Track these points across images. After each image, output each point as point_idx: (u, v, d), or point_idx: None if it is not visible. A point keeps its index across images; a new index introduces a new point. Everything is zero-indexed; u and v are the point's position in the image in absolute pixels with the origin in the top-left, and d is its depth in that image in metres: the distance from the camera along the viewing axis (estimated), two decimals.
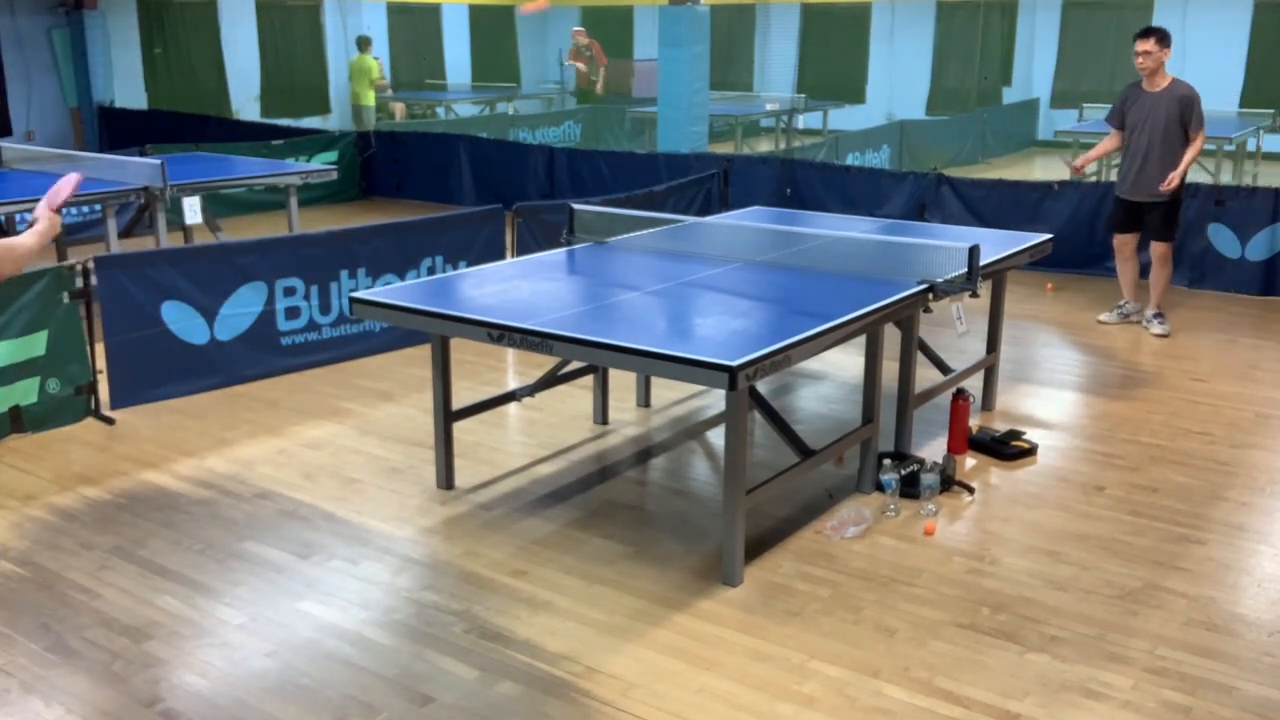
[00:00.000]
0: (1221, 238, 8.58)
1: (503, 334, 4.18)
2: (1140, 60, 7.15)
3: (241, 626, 3.84)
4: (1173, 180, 7.05)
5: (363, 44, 16.91)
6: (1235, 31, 16.88)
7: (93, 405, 5.79)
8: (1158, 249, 7.40)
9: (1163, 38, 7.13)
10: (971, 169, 13.91)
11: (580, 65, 18.49)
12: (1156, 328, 7.43)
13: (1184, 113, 7.10)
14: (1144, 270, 7.68)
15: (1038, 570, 4.23)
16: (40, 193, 7.92)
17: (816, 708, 3.38)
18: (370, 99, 16.67)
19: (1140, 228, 7.47)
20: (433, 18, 20.83)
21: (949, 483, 4.91)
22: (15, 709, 3.38)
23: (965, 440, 5.38)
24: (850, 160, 12.56)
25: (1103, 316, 7.76)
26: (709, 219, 6.76)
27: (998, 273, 5.61)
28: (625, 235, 5.87)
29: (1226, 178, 12.66)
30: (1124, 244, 7.59)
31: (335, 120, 18.28)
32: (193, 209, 7.81)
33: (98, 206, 8.14)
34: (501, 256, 7.51)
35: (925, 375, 5.51)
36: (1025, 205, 9.20)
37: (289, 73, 18.35)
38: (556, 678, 3.53)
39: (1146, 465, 5.25)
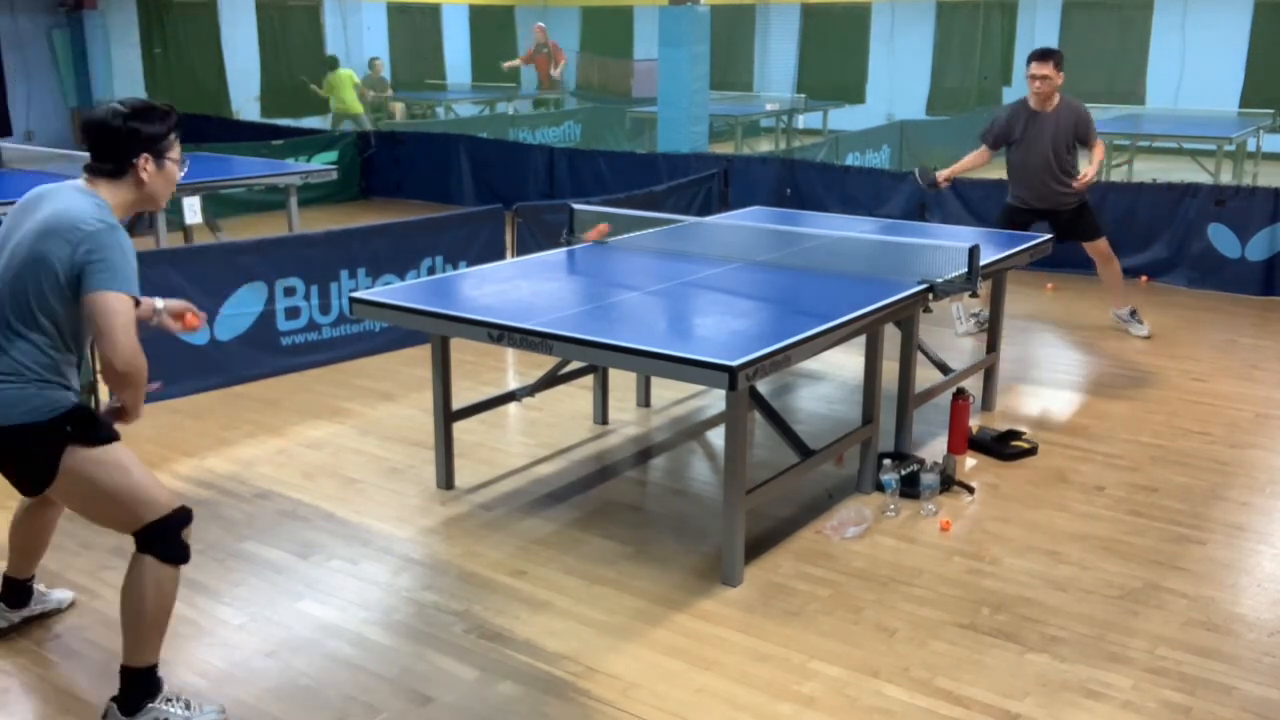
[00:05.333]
0: (1221, 238, 8.58)
1: (503, 334, 4.18)
2: (1039, 85, 6.99)
3: (241, 626, 3.84)
4: (1087, 177, 6.98)
5: (332, 63, 16.84)
6: (1235, 31, 16.88)
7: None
8: (1098, 248, 7.31)
9: (1060, 62, 7.04)
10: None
11: (522, 62, 19.11)
12: (1138, 329, 7.34)
13: (1079, 128, 7.04)
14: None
15: (1038, 570, 4.23)
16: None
17: (816, 708, 3.38)
18: (358, 106, 16.62)
19: (1022, 229, 7.25)
20: (433, 18, 20.85)
21: (949, 483, 4.91)
22: (15, 709, 3.38)
23: (965, 440, 5.38)
24: (850, 160, 12.55)
25: (961, 329, 7.45)
26: (709, 219, 6.77)
27: (998, 273, 5.62)
28: (625, 235, 5.87)
29: (1226, 178, 12.65)
30: None
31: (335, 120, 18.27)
32: (193, 209, 7.82)
33: None
34: (501, 256, 7.51)
35: (925, 375, 5.51)
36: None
37: (289, 73, 18.35)
38: (556, 678, 3.53)
39: (1146, 465, 5.25)
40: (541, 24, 19.18)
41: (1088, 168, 7.07)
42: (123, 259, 3.04)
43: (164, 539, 3.18)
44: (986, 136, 7.41)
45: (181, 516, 3.21)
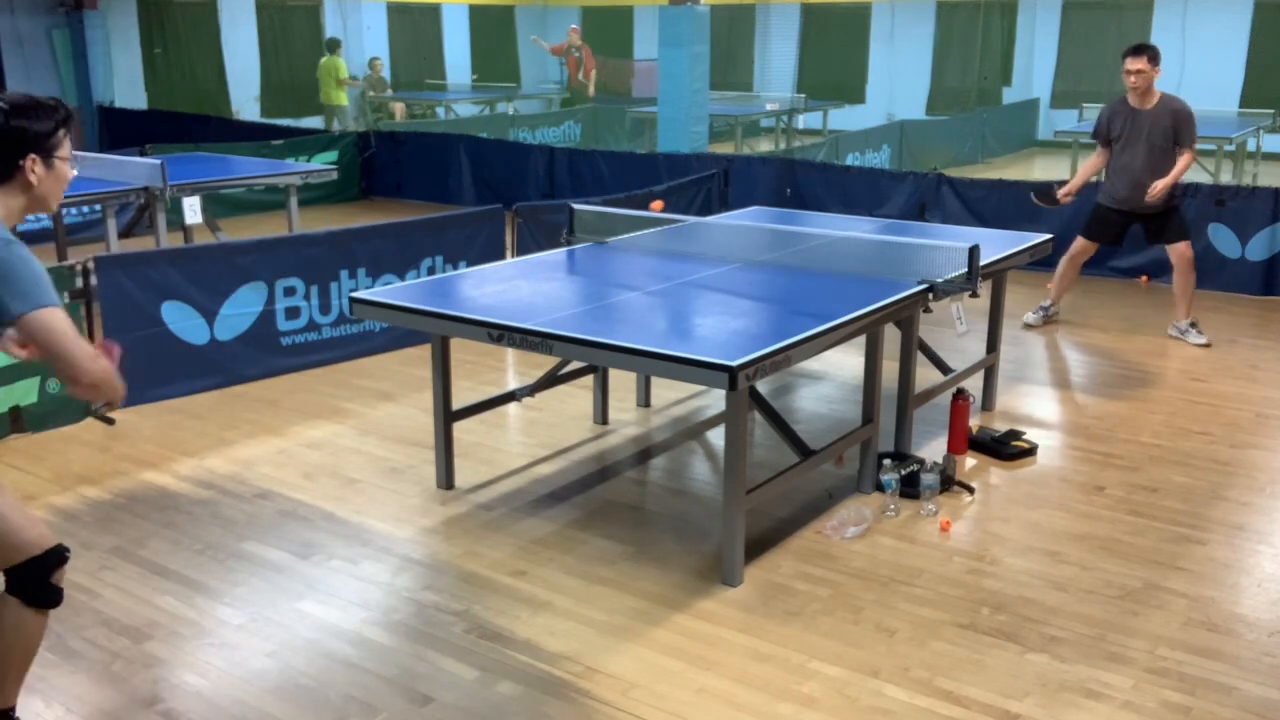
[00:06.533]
0: (1221, 238, 8.58)
1: (503, 334, 4.18)
2: (1133, 79, 7.03)
3: (241, 626, 3.84)
4: (1156, 189, 6.95)
5: (331, 46, 16.88)
6: (1235, 31, 16.88)
7: (93, 405, 5.79)
8: (1181, 251, 7.21)
9: (1154, 55, 7.06)
10: (971, 169, 13.92)
11: (551, 50, 19.18)
12: (1195, 338, 7.21)
13: (1179, 129, 7.04)
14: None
15: (1038, 570, 4.23)
16: None
17: (816, 708, 3.38)
18: (341, 98, 16.61)
19: (1114, 241, 7.49)
20: (433, 18, 20.84)
21: (949, 483, 4.91)
22: (14, 709, 3.38)
23: (965, 440, 5.38)
24: (850, 160, 12.55)
25: (1028, 319, 7.66)
26: (709, 219, 6.76)
27: (998, 273, 5.61)
28: (625, 235, 5.87)
29: (1226, 178, 12.65)
30: (1087, 250, 7.51)
31: (335, 120, 18.28)
32: (193, 209, 7.81)
33: (98, 206, 8.14)
34: (501, 256, 7.51)
35: (925, 375, 5.51)
36: (1025, 205, 9.17)
37: (289, 73, 18.35)
38: (556, 678, 3.53)
39: (1146, 465, 5.25)
40: (576, 27, 19.32)
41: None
42: (30, 272, 2.74)
43: (32, 581, 2.94)
44: (1097, 137, 7.40)
45: (52, 558, 2.96)
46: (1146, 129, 7.08)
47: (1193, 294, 7.33)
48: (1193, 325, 7.30)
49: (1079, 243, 7.52)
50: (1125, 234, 7.43)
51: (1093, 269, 8.88)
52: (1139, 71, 7.01)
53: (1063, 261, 7.58)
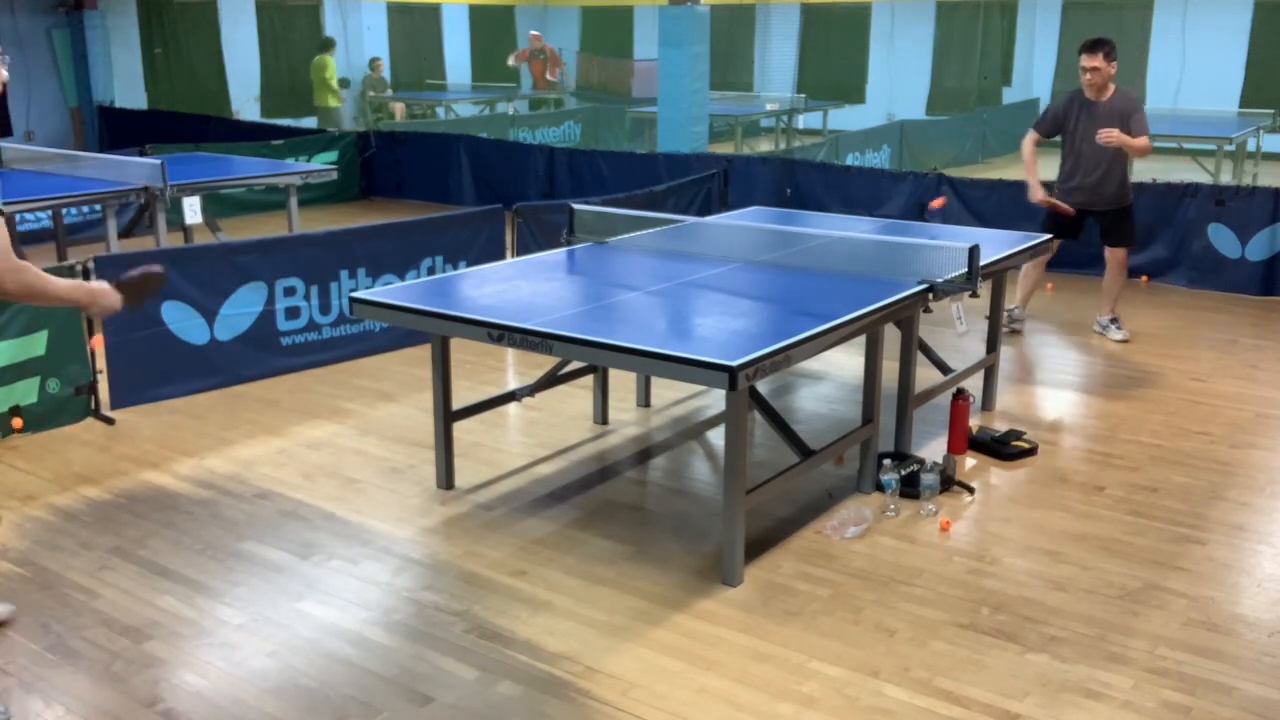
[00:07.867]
0: (1221, 238, 8.58)
1: (503, 334, 4.18)
2: (1089, 76, 7.00)
3: (241, 626, 3.84)
4: (1112, 135, 6.79)
5: (324, 45, 16.08)
6: (1235, 31, 16.88)
7: (93, 405, 5.79)
8: (1118, 255, 7.32)
9: (1110, 52, 7.02)
10: (971, 169, 13.91)
11: (516, 59, 19.34)
12: (1115, 333, 7.32)
13: (1132, 120, 6.93)
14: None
15: (1038, 570, 4.23)
16: (39, 192, 7.89)
17: (816, 708, 3.38)
18: (331, 101, 15.84)
19: (1072, 237, 7.31)
20: (433, 18, 20.85)
21: (949, 483, 4.91)
22: (15, 709, 3.38)
23: (965, 440, 5.38)
24: (850, 160, 12.55)
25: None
26: (709, 219, 6.76)
27: (998, 273, 5.61)
28: (625, 235, 5.87)
29: (1226, 178, 12.65)
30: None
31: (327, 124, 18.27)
32: (193, 209, 7.81)
33: (98, 206, 8.14)
34: (501, 256, 7.51)
35: (925, 375, 5.51)
36: (1025, 205, 9.15)
37: (289, 73, 18.35)
38: (556, 678, 3.53)
39: (1146, 465, 5.25)
40: (536, 31, 19.34)
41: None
42: None
43: None
44: (1040, 125, 7.43)
45: None
46: (1101, 123, 7.00)
47: (1119, 293, 7.44)
48: (1113, 321, 7.38)
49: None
50: (1082, 228, 7.33)
51: (1094, 269, 8.88)
52: (1094, 69, 6.98)
53: (1027, 265, 7.30)
